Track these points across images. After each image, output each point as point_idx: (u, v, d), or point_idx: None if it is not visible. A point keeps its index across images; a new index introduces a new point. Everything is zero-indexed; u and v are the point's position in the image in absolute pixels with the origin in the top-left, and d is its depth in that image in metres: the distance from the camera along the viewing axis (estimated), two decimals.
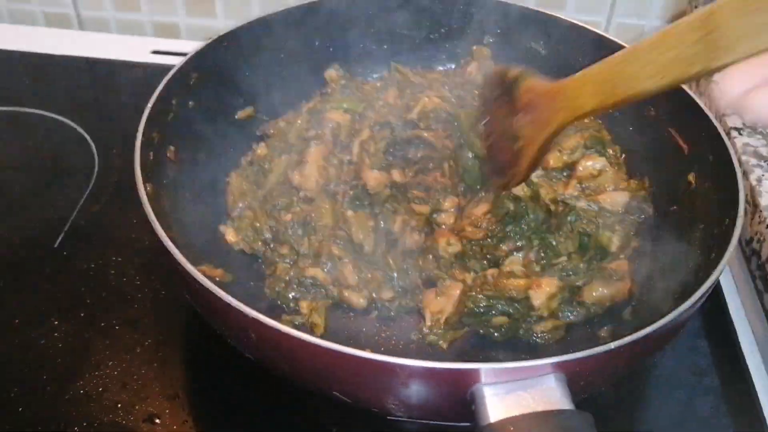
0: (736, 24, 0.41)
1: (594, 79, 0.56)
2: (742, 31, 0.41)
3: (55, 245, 0.78)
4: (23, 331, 0.69)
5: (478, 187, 0.75)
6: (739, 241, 0.78)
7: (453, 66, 0.91)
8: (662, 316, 0.51)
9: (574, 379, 0.49)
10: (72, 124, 0.91)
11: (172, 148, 0.69)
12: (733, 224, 0.59)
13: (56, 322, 0.70)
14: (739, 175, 0.62)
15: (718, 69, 0.44)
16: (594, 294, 0.67)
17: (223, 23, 1.11)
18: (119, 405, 0.64)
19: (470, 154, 0.75)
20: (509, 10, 0.85)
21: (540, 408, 0.47)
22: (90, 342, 0.68)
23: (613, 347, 0.49)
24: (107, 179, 0.84)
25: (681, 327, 0.57)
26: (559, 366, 0.48)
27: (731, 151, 0.64)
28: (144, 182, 0.59)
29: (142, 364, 0.67)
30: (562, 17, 0.83)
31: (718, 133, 0.66)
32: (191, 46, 0.75)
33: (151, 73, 0.71)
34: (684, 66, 0.45)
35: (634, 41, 1.01)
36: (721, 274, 0.56)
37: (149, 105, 0.65)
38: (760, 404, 0.66)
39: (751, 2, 0.40)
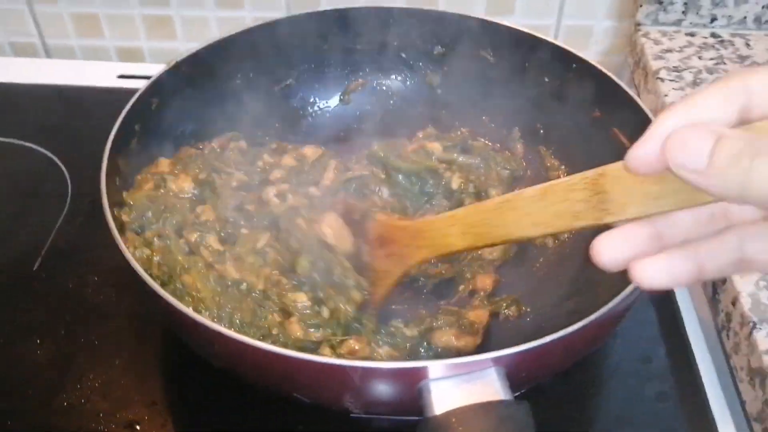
0: (623, 191, 0.40)
1: (465, 221, 0.54)
2: (630, 199, 0.40)
3: (34, 268, 0.81)
4: (7, 350, 0.73)
5: None
6: None
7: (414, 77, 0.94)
8: (594, 311, 0.54)
9: (514, 371, 0.53)
10: (43, 150, 0.93)
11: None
12: None
13: (38, 340, 0.74)
14: None
15: (607, 225, 0.42)
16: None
17: (184, 45, 1.15)
18: (101, 414, 0.67)
19: None
20: (456, 21, 0.88)
21: (481, 399, 0.51)
22: (71, 357, 0.72)
23: (546, 341, 0.53)
24: (81, 202, 0.88)
25: (615, 323, 0.61)
26: (497, 360, 0.52)
27: None
28: (111, 207, 0.62)
29: (121, 375, 0.71)
30: (506, 24, 0.85)
31: None
32: (155, 69, 0.78)
33: (117, 97, 0.74)
34: (571, 219, 0.44)
35: (582, 42, 1.08)
36: None
37: (112, 133, 0.69)
38: (705, 389, 0.70)
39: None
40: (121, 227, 0.66)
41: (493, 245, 0.53)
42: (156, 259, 0.67)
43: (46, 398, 0.69)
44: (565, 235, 0.78)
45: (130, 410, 0.68)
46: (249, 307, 0.64)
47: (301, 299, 0.65)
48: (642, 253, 0.41)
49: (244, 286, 0.66)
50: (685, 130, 0.34)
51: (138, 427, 0.67)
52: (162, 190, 0.73)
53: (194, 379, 0.70)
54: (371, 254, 0.65)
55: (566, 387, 0.69)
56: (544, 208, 0.45)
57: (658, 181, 0.37)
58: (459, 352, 0.66)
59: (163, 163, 0.76)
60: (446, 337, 0.67)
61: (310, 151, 0.84)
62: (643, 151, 0.36)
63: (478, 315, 0.70)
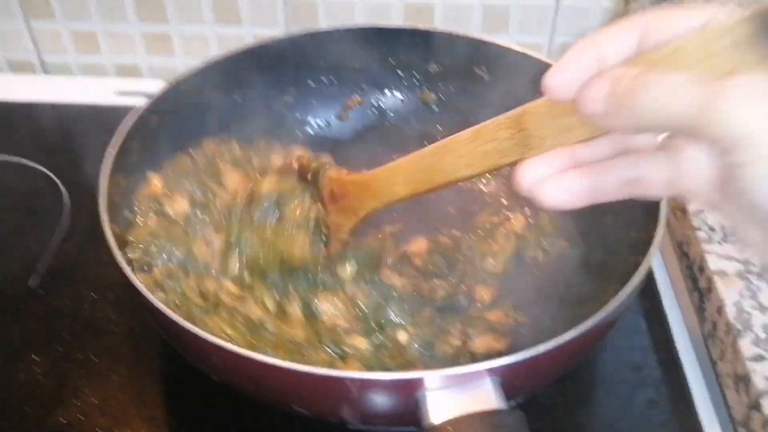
0: (541, 125, 0.44)
1: (407, 169, 0.58)
2: (547, 132, 0.44)
3: (29, 284, 0.81)
4: (3, 368, 0.73)
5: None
6: (673, 243, 0.84)
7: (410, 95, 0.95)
8: (584, 320, 0.56)
9: (509, 381, 0.54)
10: (40, 167, 0.94)
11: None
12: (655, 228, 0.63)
13: (34, 357, 0.74)
14: None
15: (532, 157, 0.46)
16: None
17: (182, 61, 1.15)
18: (99, 430, 0.67)
19: None
20: (451, 39, 0.89)
21: (477, 409, 0.52)
22: (68, 373, 0.72)
23: (540, 351, 0.54)
24: (78, 219, 0.88)
25: (607, 330, 0.62)
26: (492, 370, 0.53)
27: None
28: (111, 224, 0.63)
29: (119, 390, 0.71)
30: (499, 43, 0.87)
31: None
32: (154, 85, 0.79)
33: (115, 114, 0.74)
34: (498, 157, 0.48)
35: None
36: (640, 279, 0.60)
37: (110, 151, 0.69)
38: (693, 396, 0.72)
39: (554, 108, 0.43)
40: (119, 243, 0.66)
41: (431, 190, 0.57)
42: (175, 300, 0.67)
43: (43, 415, 0.69)
44: (556, 250, 0.79)
45: (129, 426, 0.68)
46: (290, 349, 0.64)
47: (363, 344, 0.67)
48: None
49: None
50: (589, 81, 0.40)
51: None
52: (160, 217, 0.73)
53: (193, 394, 0.70)
54: (325, 209, 0.68)
55: (558, 395, 0.70)
56: (475, 148, 0.50)
57: (569, 113, 0.42)
58: (501, 354, 0.67)
59: (155, 183, 0.76)
60: (486, 342, 0.69)
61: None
62: (557, 80, 0.41)
63: (498, 316, 0.72)
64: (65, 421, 0.68)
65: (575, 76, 0.41)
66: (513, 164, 0.47)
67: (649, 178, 0.43)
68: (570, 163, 0.45)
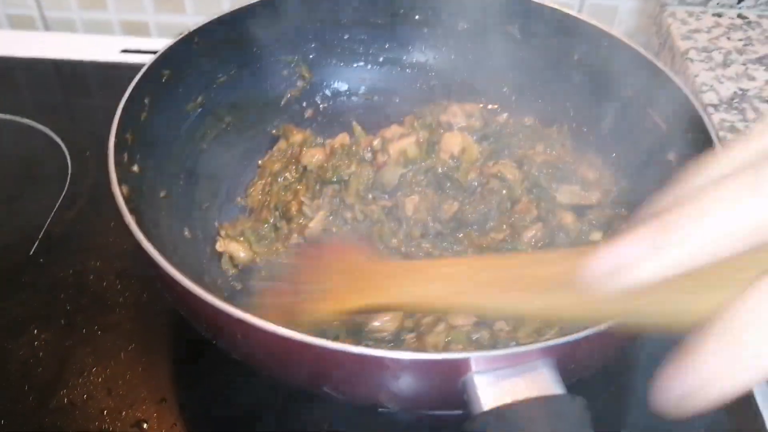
0: None
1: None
2: None
3: (31, 253, 0.77)
4: (2, 344, 0.69)
5: None
6: None
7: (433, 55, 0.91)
8: None
9: (564, 363, 0.49)
10: (42, 128, 0.89)
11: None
12: None
13: (36, 331, 0.69)
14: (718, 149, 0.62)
15: None
16: None
17: (192, 19, 1.10)
18: (105, 412, 0.63)
19: None
20: None
21: (532, 394, 0.47)
22: (72, 349, 0.68)
23: (601, 330, 0.48)
24: (81, 183, 0.83)
25: None
26: (546, 351, 0.48)
27: (709, 127, 0.64)
28: (119, 184, 0.58)
29: (126, 369, 0.66)
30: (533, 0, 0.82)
31: (695, 110, 0.66)
32: (161, 44, 0.74)
33: (121, 72, 0.70)
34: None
35: (607, 21, 1.05)
36: None
37: (120, 106, 0.64)
38: None
39: None
40: (129, 206, 0.61)
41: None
42: None
43: (44, 395, 0.65)
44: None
45: (137, 408, 0.64)
46: None
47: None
48: None
49: None
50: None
51: (145, 426, 0.62)
52: None
53: (206, 374, 0.66)
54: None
55: (601, 381, 0.66)
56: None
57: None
58: None
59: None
60: None
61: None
62: None
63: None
64: (68, 402, 0.64)
65: None
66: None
67: None
68: None
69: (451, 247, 0.72)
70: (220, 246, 0.73)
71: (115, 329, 0.70)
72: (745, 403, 0.66)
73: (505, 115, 0.86)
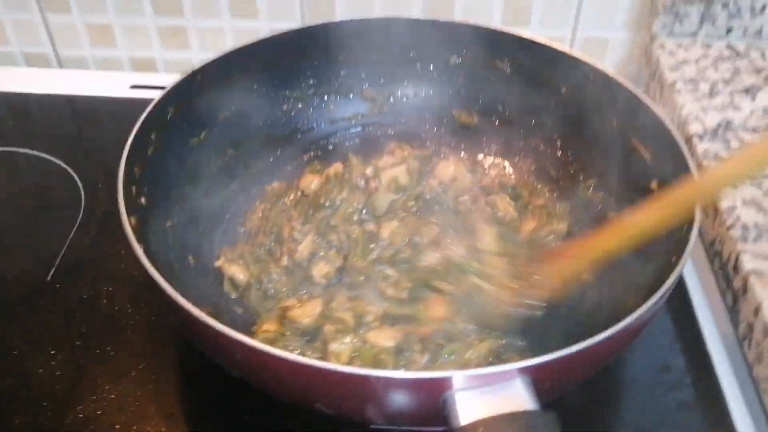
0: None
1: None
2: None
3: (48, 279, 0.80)
4: (21, 363, 0.72)
5: None
6: (704, 242, 0.82)
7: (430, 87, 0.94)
8: (620, 320, 0.54)
9: (539, 381, 0.52)
10: (56, 160, 0.93)
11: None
12: (691, 228, 0.61)
13: (52, 351, 0.73)
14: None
15: None
16: None
17: (198, 55, 1.14)
18: (117, 426, 0.66)
19: None
20: (472, 31, 0.88)
21: (507, 410, 0.50)
22: (86, 369, 0.71)
23: (574, 351, 0.52)
24: (94, 212, 0.87)
25: (641, 329, 0.60)
26: (523, 370, 0.51)
27: (688, 159, 0.67)
28: (128, 216, 0.61)
29: (137, 387, 0.70)
30: (523, 36, 0.85)
31: (675, 141, 0.69)
32: (169, 79, 0.78)
33: (131, 107, 0.73)
34: None
35: (598, 53, 1.07)
36: (679, 274, 0.58)
37: (128, 142, 0.68)
38: (726, 399, 0.70)
39: None
40: (137, 235, 0.65)
41: None
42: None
43: (60, 411, 0.68)
44: None
45: (147, 423, 0.67)
46: None
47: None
48: None
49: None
50: None
51: None
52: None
53: (213, 391, 0.69)
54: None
55: (586, 397, 0.68)
56: None
57: None
58: None
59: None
60: None
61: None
62: None
63: None
64: (82, 417, 0.67)
65: None
66: None
67: None
68: None
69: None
70: (220, 268, 0.77)
71: (127, 349, 0.73)
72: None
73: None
